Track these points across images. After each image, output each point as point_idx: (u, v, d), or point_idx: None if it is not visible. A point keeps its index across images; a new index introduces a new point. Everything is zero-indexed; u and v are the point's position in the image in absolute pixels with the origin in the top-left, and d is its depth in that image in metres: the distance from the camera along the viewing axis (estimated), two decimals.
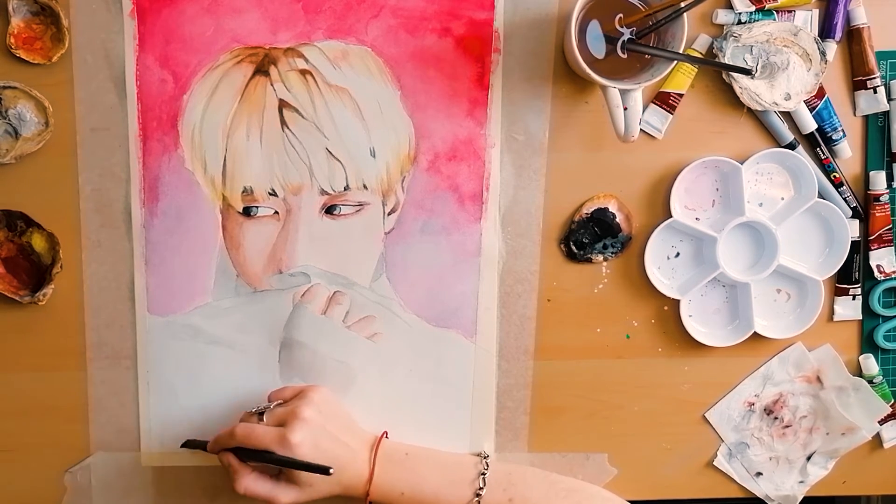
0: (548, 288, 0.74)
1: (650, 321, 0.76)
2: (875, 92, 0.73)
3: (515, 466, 0.73)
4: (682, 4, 0.63)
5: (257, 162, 0.71)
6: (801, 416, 0.78)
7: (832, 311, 0.76)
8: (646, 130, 0.73)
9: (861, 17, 0.72)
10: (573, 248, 0.74)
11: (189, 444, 0.72)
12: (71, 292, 0.73)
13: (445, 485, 0.69)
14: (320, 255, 0.72)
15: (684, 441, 0.78)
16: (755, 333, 0.75)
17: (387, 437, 0.71)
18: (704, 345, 0.75)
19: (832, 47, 0.72)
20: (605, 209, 0.73)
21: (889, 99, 0.73)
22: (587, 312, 0.75)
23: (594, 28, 0.66)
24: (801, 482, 0.79)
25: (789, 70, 0.71)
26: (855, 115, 0.74)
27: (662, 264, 0.75)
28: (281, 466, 0.66)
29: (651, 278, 0.74)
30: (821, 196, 0.73)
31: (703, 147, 0.73)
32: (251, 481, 0.67)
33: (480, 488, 0.69)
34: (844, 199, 0.74)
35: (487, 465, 0.71)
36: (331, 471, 0.64)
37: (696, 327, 0.75)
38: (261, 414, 0.68)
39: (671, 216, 0.73)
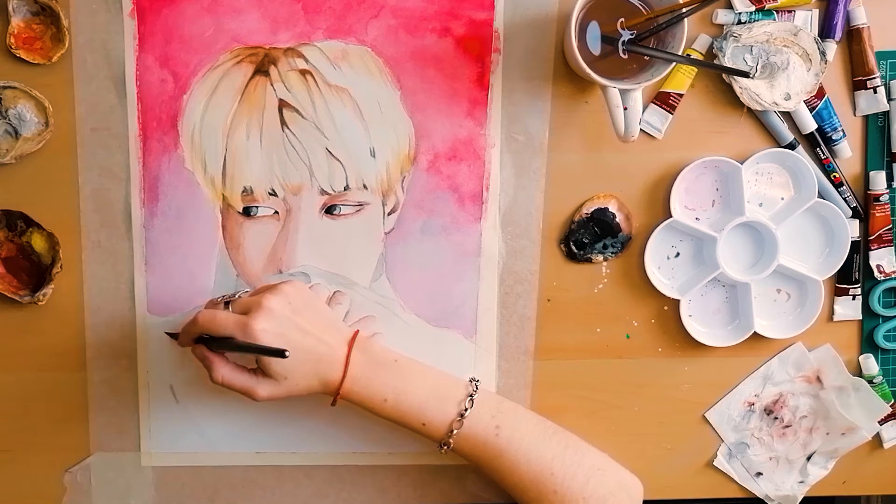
0: (548, 288, 0.74)
1: (650, 321, 0.76)
2: (875, 92, 0.73)
3: (508, 400, 0.71)
4: (684, 10, 0.63)
5: (257, 162, 0.71)
6: (801, 416, 0.78)
7: (832, 311, 0.76)
8: (646, 130, 0.73)
9: (861, 17, 0.72)
10: (573, 248, 0.74)
11: (171, 335, 0.71)
12: (71, 292, 0.73)
13: (432, 399, 0.67)
14: (320, 255, 0.72)
15: (684, 441, 0.78)
16: (755, 333, 0.75)
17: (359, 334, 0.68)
18: (704, 345, 0.75)
19: (832, 47, 0.72)
20: (605, 209, 0.73)
21: (889, 99, 0.73)
22: (587, 312, 0.75)
23: (594, 28, 0.66)
24: (801, 482, 0.79)
25: (789, 70, 0.71)
26: (855, 115, 0.74)
27: (662, 264, 0.75)
28: (238, 352, 0.63)
29: (651, 278, 0.74)
30: (821, 196, 0.73)
31: (703, 147, 0.73)
32: (228, 372, 0.64)
33: (466, 409, 0.67)
34: (844, 199, 0.74)
35: (477, 388, 0.69)
36: (286, 353, 0.60)
37: (696, 327, 0.75)
38: (227, 303, 0.66)
39: (671, 216, 0.73)
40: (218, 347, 0.65)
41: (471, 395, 0.68)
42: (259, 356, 0.63)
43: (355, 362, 0.66)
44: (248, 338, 0.62)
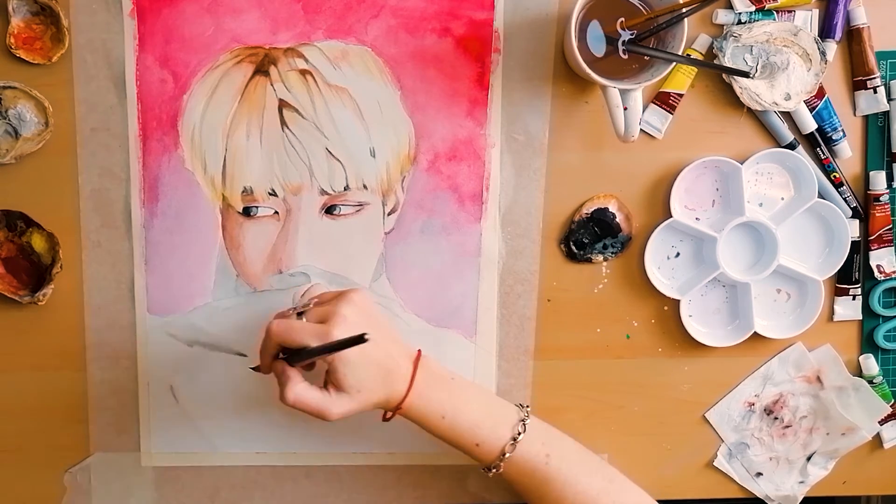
0: (548, 288, 0.74)
1: (650, 321, 0.76)
2: (875, 92, 0.73)
3: (555, 427, 0.70)
4: (684, 10, 0.63)
5: (257, 162, 0.71)
6: (801, 417, 0.78)
7: (832, 311, 0.76)
8: (646, 130, 0.73)
9: (861, 17, 0.72)
10: (573, 248, 0.74)
11: (254, 369, 0.68)
12: (71, 292, 0.73)
13: (487, 420, 0.66)
14: (320, 255, 0.72)
15: (684, 441, 0.78)
16: (755, 333, 0.74)
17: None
18: (704, 345, 0.75)
19: (832, 47, 0.72)
20: (605, 209, 0.73)
21: (889, 99, 0.73)
22: (587, 312, 0.75)
23: (594, 28, 0.66)
24: (801, 482, 0.79)
25: (789, 70, 0.71)
26: (855, 115, 0.74)
27: (662, 264, 0.75)
28: (317, 356, 0.61)
29: (651, 278, 0.74)
30: (821, 196, 0.73)
31: (703, 147, 0.73)
32: (302, 390, 0.62)
33: (519, 433, 0.66)
34: (844, 199, 0.74)
35: (528, 414, 0.68)
36: (366, 336, 0.56)
37: (696, 327, 0.75)
38: (299, 314, 0.63)
39: (671, 216, 0.73)
40: (296, 362, 0.63)
41: (523, 420, 0.67)
42: (331, 369, 0.61)
43: (418, 378, 0.65)
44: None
